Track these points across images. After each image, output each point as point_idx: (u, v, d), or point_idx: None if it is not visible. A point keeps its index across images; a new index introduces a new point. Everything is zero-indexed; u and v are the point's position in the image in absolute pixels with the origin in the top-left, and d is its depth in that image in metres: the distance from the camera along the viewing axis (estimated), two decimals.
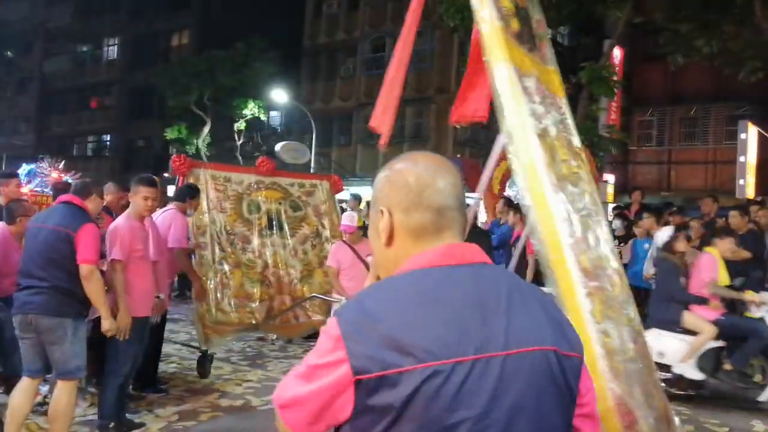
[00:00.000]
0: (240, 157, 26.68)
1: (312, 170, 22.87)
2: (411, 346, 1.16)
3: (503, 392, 1.19)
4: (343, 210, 11.67)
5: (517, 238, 8.40)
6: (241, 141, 26.57)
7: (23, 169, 7.70)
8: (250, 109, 26.10)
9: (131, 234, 4.83)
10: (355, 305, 1.25)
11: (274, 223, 7.55)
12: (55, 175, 8.87)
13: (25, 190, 6.20)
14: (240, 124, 26.48)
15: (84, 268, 4.25)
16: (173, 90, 25.68)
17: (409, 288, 1.25)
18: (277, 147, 20.90)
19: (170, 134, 26.79)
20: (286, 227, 7.64)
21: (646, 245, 8.65)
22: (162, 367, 6.49)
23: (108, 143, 38.83)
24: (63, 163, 8.84)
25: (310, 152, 22.59)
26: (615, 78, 13.44)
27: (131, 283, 4.78)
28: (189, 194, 6.58)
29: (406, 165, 1.37)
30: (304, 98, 26.83)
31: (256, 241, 7.31)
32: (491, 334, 1.21)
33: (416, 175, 1.33)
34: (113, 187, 6.36)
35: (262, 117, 26.92)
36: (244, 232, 7.27)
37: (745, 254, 7.78)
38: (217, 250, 6.94)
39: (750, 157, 16.69)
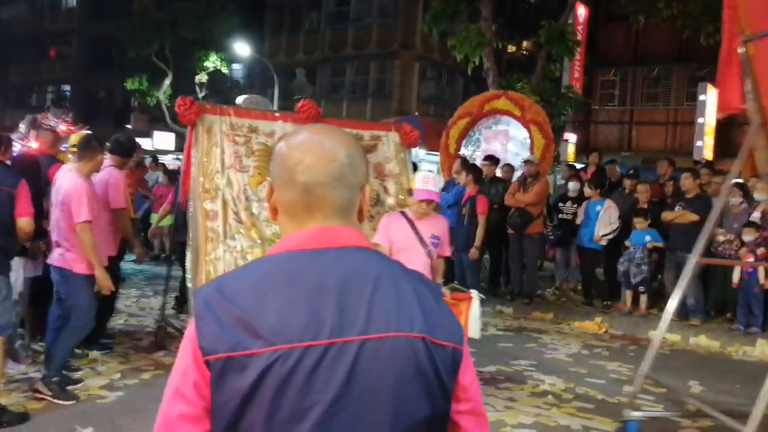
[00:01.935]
0: None
1: None
2: (262, 328, 1.13)
3: (359, 378, 1.15)
4: None
5: (469, 198, 8.43)
6: (203, 94, 26.08)
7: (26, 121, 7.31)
8: (212, 62, 25.57)
9: (92, 194, 4.92)
10: (214, 284, 1.21)
11: None
12: (64, 127, 8.51)
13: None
14: (201, 77, 25.95)
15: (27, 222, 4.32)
16: (134, 41, 25.00)
17: (268, 271, 1.22)
18: (238, 100, 20.48)
19: (130, 85, 26.17)
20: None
21: (599, 207, 8.76)
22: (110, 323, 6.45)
23: (68, 94, 37.85)
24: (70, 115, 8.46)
25: (273, 106, 22.27)
26: (574, 38, 13.40)
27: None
28: (130, 147, 6.33)
29: (288, 140, 1.30)
30: (267, 52, 26.33)
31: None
32: (349, 319, 1.17)
33: (291, 151, 1.27)
34: (47, 132, 6.17)
35: (225, 70, 26.40)
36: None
37: (693, 217, 7.92)
38: (231, 220, 5.37)
39: (709, 119, 16.87)
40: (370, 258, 1.27)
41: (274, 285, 1.18)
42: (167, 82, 25.86)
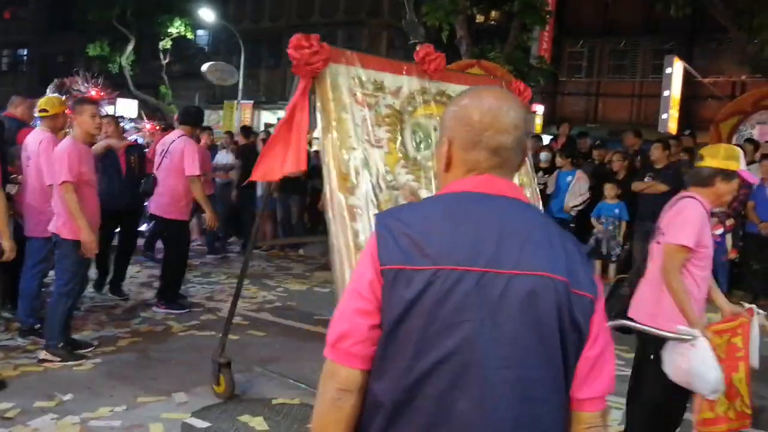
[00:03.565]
0: (166, 77, 25.67)
1: (240, 93, 22.24)
2: (429, 250, 1.33)
3: (507, 305, 1.32)
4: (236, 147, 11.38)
5: None
6: (167, 60, 25.52)
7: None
8: (176, 28, 24.98)
9: (78, 157, 4.75)
10: (394, 212, 1.48)
11: None
12: (93, 93, 8.21)
13: None
14: (165, 43, 25.36)
15: None
16: (95, 3, 24.23)
17: (440, 205, 1.44)
18: (204, 67, 20.22)
19: (92, 51, 25.44)
20: None
21: (569, 178, 8.86)
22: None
23: (25, 57, 36.65)
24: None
25: (238, 74, 21.91)
26: (546, 8, 13.40)
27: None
28: (200, 117, 6.62)
29: (472, 102, 1.47)
30: (233, 18, 25.81)
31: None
32: (504, 255, 1.34)
33: (480, 114, 1.44)
34: (18, 99, 6.04)
35: (189, 36, 25.82)
36: (411, 185, 3.83)
37: (662, 187, 8.07)
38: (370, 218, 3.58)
39: (674, 92, 17.10)
40: (529, 209, 1.47)
41: (444, 216, 1.39)
42: (129, 47, 25.22)
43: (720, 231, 7.77)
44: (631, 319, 3.36)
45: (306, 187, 10.22)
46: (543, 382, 1.35)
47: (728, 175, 3.29)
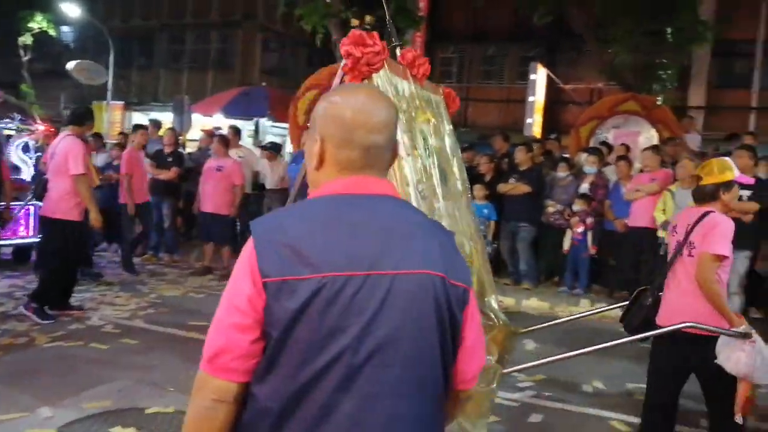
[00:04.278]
0: (27, 75, 24.12)
1: (110, 94, 21.26)
2: (311, 258, 1.33)
3: (389, 306, 1.36)
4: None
5: None
6: (28, 57, 23.98)
7: None
8: (38, 23, 23.50)
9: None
10: (271, 217, 1.45)
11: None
12: None
13: None
14: (26, 39, 23.79)
15: None
16: None
17: (318, 210, 1.43)
18: (70, 65, 19.11)
19: None
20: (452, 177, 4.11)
21: None
22: None
23: None
24: None
25: (108, 73, 20.94)
26: (419, 12, 13.76)
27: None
28: (86, 117, 6.48)
29: (344, 99, 1.47)
30: (102, 15, 24.61)
31: (441, 203, 3.73)
32: (384, 256, 1.37)
33: (353, 112, 1.45)
34: None
35: (52, 32, 24.36)
36: (433, 188, 3.66)
37: (525, 188, 8.55)
38: None
39: (539, 97, 18.06)
40: (403, 206, 1.52)
41: (322, 222, 1.39)
42: None
43: (581, 229, 8.32)
44: (659, 326, 3.69)
45: (179, 190, 9.96)
46: (424, 379, 1.41)
47: (728, 185, 3.71)
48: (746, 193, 6.75)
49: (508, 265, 9.07)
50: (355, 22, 22.72)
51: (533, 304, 8.17)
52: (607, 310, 5.24)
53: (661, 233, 7.56)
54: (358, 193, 1.44)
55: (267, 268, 1.32)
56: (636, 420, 4.59)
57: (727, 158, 4.01)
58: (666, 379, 3.76)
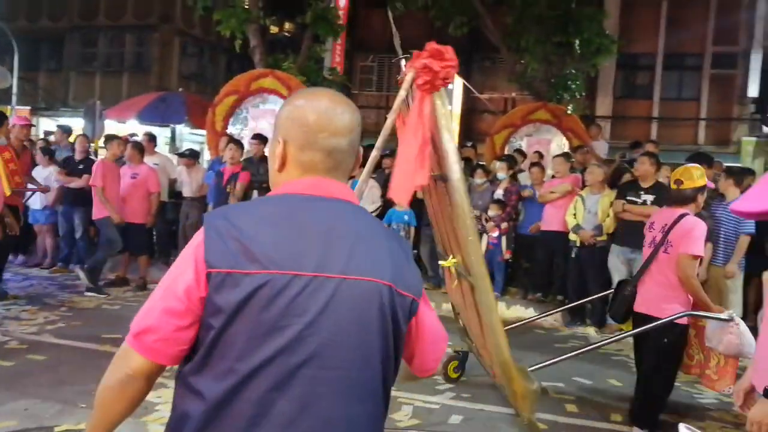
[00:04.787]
0: None
1: (15, 98, 20.34)
2: (258, 254, 1.34)
3: (332, 309, 1.37)
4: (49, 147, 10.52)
5: (233, 175, 8.36)
6: None
7: None
8: None
9: None
10: (222, 211, 1.43)
11: None
12: None
13: None
14: None
15: None
16: None
17: (271, 208, 1.44)
18: None
19: None
20: None
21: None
22: None
23: None
24: None
25: (12, 76, 20.00)
26: (339, 21, 13.80)
27: None
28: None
29: (308, 103, 1.49)
30: (5, 15, 23.49)
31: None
32: (333, 259, 1.38)
33: (316, 115, 1.46)
34: None
35: None
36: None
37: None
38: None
39: (455, 106, 18.40)
40: (359, 212, 1.51)
41: (274, 220, 1.40)
42: None
43: (496, 234, 8.55)
44: (641, 314, 4.41)
45: (91, 199, 9.61)
46: (362, 384, 1.42)
47: (703, 189, 4.38)
48: (650, 198, 7.11)
49: (428, 270, 9.21)
50: (274, 29, 22.66)
51: (452, 308, 8.30)
52: (554, 312, 5.75)
53: (572, 236, 7.87)
54: (314, 195, 1.45)
55: (213, 259, 1.34)
56: (551, 417, 4.77)
57: (699, 165, 4.53)
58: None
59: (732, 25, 19.81)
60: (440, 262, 4.42)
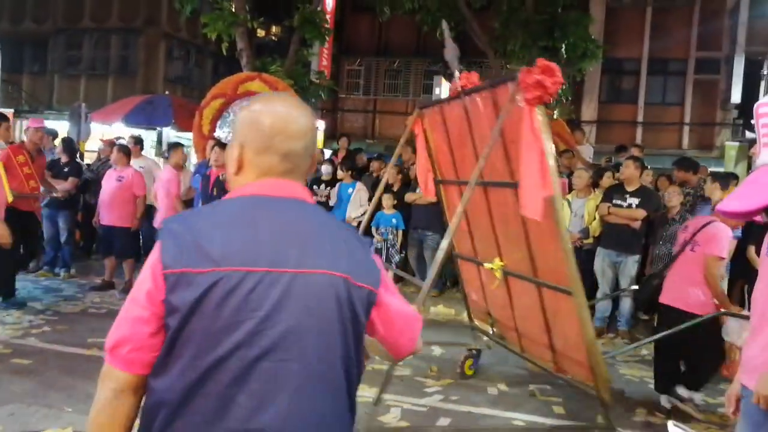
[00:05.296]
0: None
1: None
2: (212, 253, 1.38)
3: (288, 303, 1.40)
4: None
5: (217, 178, 8.29)
6: None
7: None
8: None
9: None
10: (179, 215, 1.50)
11: None
12: None
13: None
14: None
15: None
16: None
17: (227, 209, 1.49)
18: None
19: None
20: None
21: (350, 189, 9.24)
22: None
23: None
24: None
25: None
26: (326, 24, 13.82)
27: None
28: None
29: (264, 107, 1.54)
30: None
31: None
32: (286, 255, 1.42)
33: (272, 120, 1.51)
34: None
35: None
36: None
37: (432, 198, 8.71)
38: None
39: None
40: (314, 209, 1.56)
41: (229, 220, 1.45)
42: None
43: None
44: (666, 305, 4.98)
45: (77, 202, 9.56)
46: (323, 376, 1.44)
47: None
48: (635, 201, 7.17)
49: (415, 273, 9.23)
50: (261, 32, 22.66)
51: (440, 310, 8.35)
52: None
53: None
54: (269, 195, 1.50)
55: (168, 260, 1.38)
56: (538, 419, 4.80)
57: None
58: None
59: (715, 31, 20.07)
60: (486, 265, 4.60)
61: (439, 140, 5.62)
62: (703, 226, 4.80)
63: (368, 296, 1.52)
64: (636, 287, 6.06)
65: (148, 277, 1.40)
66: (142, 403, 1.44)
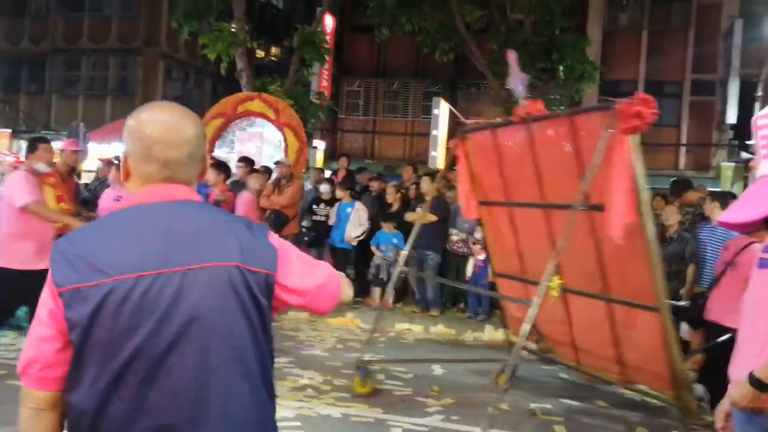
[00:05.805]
0: None
1: None
2: (101, 265, 1.41)
3: (181, 300, 1.43)
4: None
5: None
6: None
7: None
8: None
9: None
10: (68, 235, 1.52)
11: None
12: None
13: None
14: None
15: None
16: None
17: (114, 220, 1.53)
18: None
19: None
20: None
21: (349, 209, 9.23)
22: None
23: None
24: None
25: None
26: (326, 45, 13.90)
27: None
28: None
29: (145, 117, 1.55)
30: None
31: None
32: (175, 254, 1.45)
33: (152, 128, 1.53)
34: None
35: None
36: None
37: (432, 218, 8.71)
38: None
39: (441, 131, 18.49)
40: (201, 208, 1.58)
41: (116, 230, 1.48)
42: None
43: (482, 257, 8.54)
44: (713, 322, 5.06)
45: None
46: (234, 364, 1.48)
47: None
48: None
49: (415, 293, 9.19)
50: (260, 53, 22.74)
51: (440, 330, 8.30)
52: None
53: None
54: (155, 201, 1.52)
55: (59, 279, 1.41)
56: None
57: None
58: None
59: (710, 53, 20.23)
60: (545, 284, 4.71)
61: (486, 163, 5.83)
62: (744, 247, 4.93)
63: (265, 279, 1.54)
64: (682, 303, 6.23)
65: (48, 298, 1.44)
66: (67, 419, 1.48)
